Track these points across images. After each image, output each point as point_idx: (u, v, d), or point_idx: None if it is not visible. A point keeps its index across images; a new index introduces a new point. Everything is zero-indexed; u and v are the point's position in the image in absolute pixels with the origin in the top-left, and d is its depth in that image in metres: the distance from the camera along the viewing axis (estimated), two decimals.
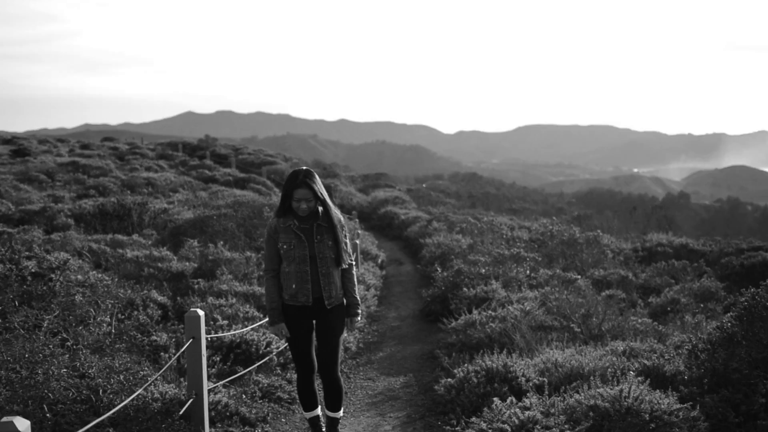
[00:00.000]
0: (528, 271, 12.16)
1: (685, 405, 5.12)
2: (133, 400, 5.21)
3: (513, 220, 22.98)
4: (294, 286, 5.30)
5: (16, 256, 8.43)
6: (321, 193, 5.31)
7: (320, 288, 5.31)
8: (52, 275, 8.49)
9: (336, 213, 5.43)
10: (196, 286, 10.18)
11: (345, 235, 5.47)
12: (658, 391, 5.43)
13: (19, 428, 3.06)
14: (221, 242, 11.81)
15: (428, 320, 11.60)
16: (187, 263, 11.20)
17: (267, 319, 5.65)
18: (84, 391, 5.41)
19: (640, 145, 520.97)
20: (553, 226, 15.13)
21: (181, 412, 5.43)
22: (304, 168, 5.45)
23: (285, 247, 5.29)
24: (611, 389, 5.13)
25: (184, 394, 5.87)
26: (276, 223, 5.36)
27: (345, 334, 5.78)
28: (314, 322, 5.45)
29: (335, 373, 5.48)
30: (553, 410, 5.21)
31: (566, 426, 4.92)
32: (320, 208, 5.33)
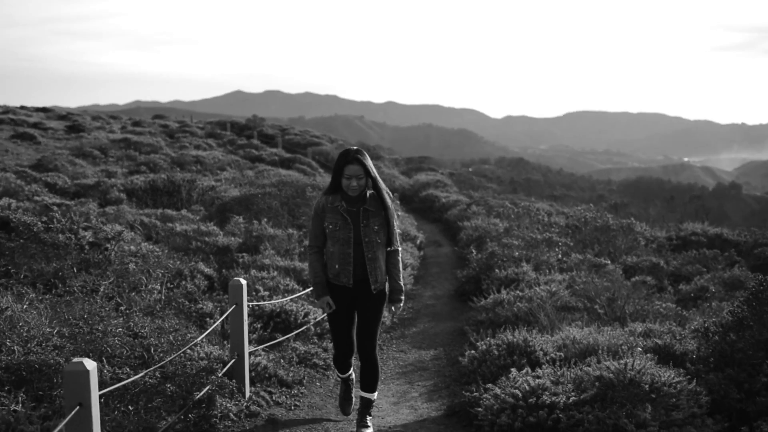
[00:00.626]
0: (560, 255, 12.52)
1: (685, 378, 5.50)
2: (180, 357, 5.77)
3: (553, 206, 23.23)
4: (337, 266, 5.35)
5: (75, 227, 9.08)
6: (372, 171, 5.28)
7: (364, 271, 5.34)
8: (108, 245, 9.14)
9: (386, 195, 5.40)
10: (241, 260, 10.77)
11: (395, 218, 5.44)
12: (664, 367, 5.83)
13: (88, 368, 3.61)
14: (265, 219, 12.41)
15: (462, 300, 12.03)
16: (233, 238, 11.80)
17: (311, 291, 5.63)
18: (138, 349, 5.99)
19: (692, 134, 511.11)
20: (587, 213, 15.44)
21: (224, 371, 5.99)
22: (355, 147, 5.50)
23: (330, 227, 5.31)
24: (617, 362, 5.54)
25: (227, 355, 6.44)
26: (324, 201, 5.37)
27: (385, 317, 5.91)
28: (355, 302, 5.50)
29: (373, 354, 5.56)
30: (562, 379, 5.65)
31: (573, 393, 5.36)
32: (369, 192, 5.33)
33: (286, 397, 6.66)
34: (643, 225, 16.66)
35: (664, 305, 9.69)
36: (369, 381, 5.65)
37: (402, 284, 5.53)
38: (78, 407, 3.54)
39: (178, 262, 9.80)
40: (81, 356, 5.48)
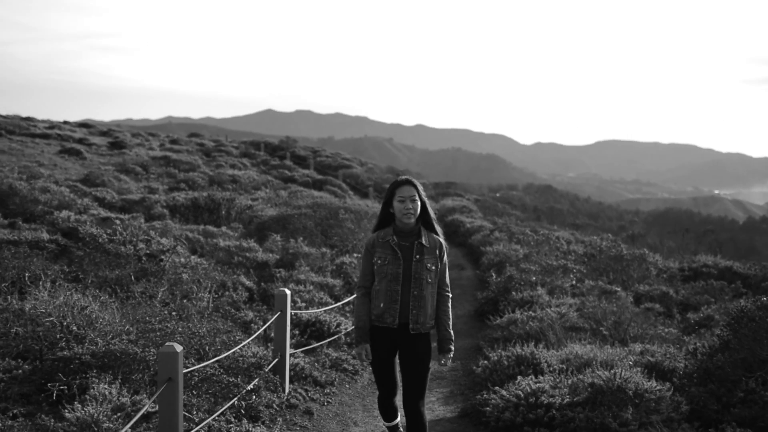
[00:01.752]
0: (574, 281, 13.39)
1: (666, 388, 6.38)
2: (234, 353, 6.77)
3: (573, 235, 24.03)
4: (382, 305, 5.02)
5: (135, 239, 10.16)
6: (423, 197, 5.10)
7: (408, 311, 5.01)
8: (162, 257, 10.20)
9: (439, 229, 5.21)
10: (278, 275, 11.78)
11: (445, 258, 5.18)
12: (652, 379, 6.71)
13: (177, 350, 4.60)
14: (301, 238, 13.43)
15: (480, 320, 12.90)
16: (271, 254, 12.83)
17: (354, 334, 5.43)
18: (195, 347, 6.98)
19: (723, 167, 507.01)
20: (602, 243, 16.30)
21: (269, 366, 6.97)
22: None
23: (379, 262, 5.03)
24: (608, 372, 6.44)
25: (270, 356, 7.42)
26: (375, 237, 5.12)
27: (432, 367, 5.33)
28: (399, 347, 5.15)
29: (420, 406, 5.11)
30: (560, 385, 6.56)
31: (568, 396, 6.27)
32: (423, 234, 5.07)
33: (320, 395, 7.61)
34: (656, 256, 17.46)
35: (666, 330, 10.54)
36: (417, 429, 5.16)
37: (452, 333, 5.17)
38: (168, 380, 4.52)
39: (223, 275, 10.84)
40: (150, 347, 6.50)
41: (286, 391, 7.24)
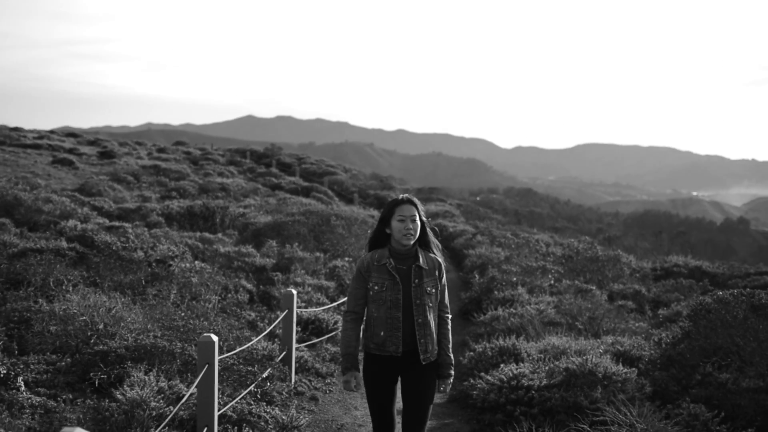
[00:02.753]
0: (552, 281, 14.29)
1: (632, 372, 7.26)
2: (248, 347, 7.58)
3: (553, 237, 24.98)
4: (382, 333, 4.67)
5: (145, 246, 10.93)
6: (423, 217, 4.80)
7: (414, 339, 4.67)
8: (171, 262, 10.98)
9: (438, 251, 4.92)
10: (276, 278, 12.57)
11: (444, 278, 4.90)
12: (619, 365, 7.59)
13: (213, 339, 5.41)
14: (296, 243, 14.24)
15: (465, 318, 13.77)
16: (268, 259, 13.61)
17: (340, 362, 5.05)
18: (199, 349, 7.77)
19: (702, 169, 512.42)
20: (579, 245, 17.23)
21: (279, 358, 7.78)
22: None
23: (376, 288, 4.69)
24: (580, 358, 7.32)
25: (278, 350, 8.23)
26: (369, 259, 4.77)
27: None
28: (400, 378, 4.80)
29: None
30: (539, 370, 7.43)
31: (545, 379, 7.13)
32: (421, 255, 4.76)
33: (322, 384, 8.44)
34: (630, 257, 18.43)
35: (636, 324, 11.44)
36: None
37: (452, 358, 4.87)
38: (207, 366, 5.33)
39: (225, 279, 11.63)
40: (174, 340, 7.29)
41: (293, 380, 8.05)
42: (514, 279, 13.94)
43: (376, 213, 23.47)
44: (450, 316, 4.92)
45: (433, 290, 4.75)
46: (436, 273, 4.79)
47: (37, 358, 6.74)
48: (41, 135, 36.96)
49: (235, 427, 6.00)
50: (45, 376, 6.36)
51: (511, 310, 11.29)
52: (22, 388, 5.74)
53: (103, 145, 36.85)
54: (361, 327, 4.82)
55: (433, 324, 4.73)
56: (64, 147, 32.71)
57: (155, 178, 28.15)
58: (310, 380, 8.38)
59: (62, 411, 5.49)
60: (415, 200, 4.79)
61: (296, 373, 8.35)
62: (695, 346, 8.11)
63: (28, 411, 5.39)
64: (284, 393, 7.49)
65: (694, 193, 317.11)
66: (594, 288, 14.01)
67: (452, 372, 4.83)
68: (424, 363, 4.67)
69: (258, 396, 6.94)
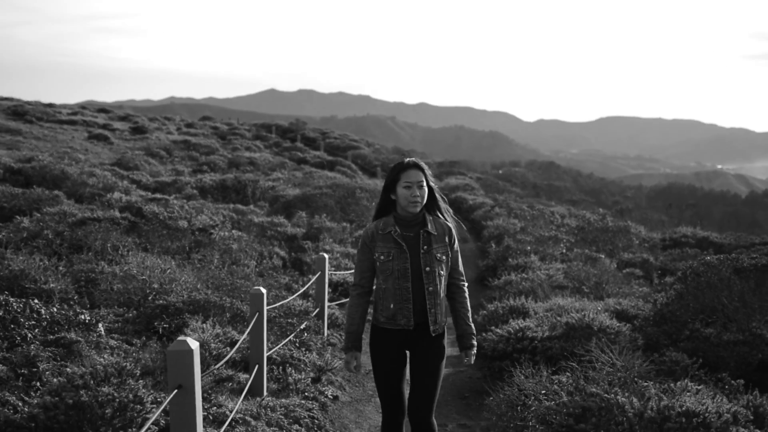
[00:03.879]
0: (564, 250, 15.23)
1: (624, 325, 8.24)
2: (288, 303, 8.63)
3: (569, 210, 25.84)
4: (392, 306, 4.42)
5: (189, 216, 12.00)
6: (431, 182, 4.51)
7: (425, 310, 4.41)
8: (212, 231, 12.05)
9: (448, 214, 4.63)
10: (306, 246, 13.63)
11: (456, 244, 4.62)
12: (614, 319, 8.56)
13: (263, 291, 6.44)
14: (323, 214, 15.28)
15: (482, 284, 14.77)
16: (298, 229, 14.67)
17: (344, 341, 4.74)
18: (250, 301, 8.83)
19: (726, 142, 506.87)
20: (591, 216, 18.12)
21: (314, 313, 8.84)
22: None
23: (382, 258, 4.43)
24: (579, 314, 8.29)
25: (312, 307, 9.28)
26: (374, 228, 4.52)
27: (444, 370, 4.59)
28: (408, 352, 4.55)
29: (429, 419, 4.50)
30: (542, 324, 8.41)
31: (547, 331, 8.12)
32: (429, 220, 4.48)
33: None
34: (640, 227, 19.29)
35: (640, 289, 12.37)
36: None
37: (473, 326, 4.66)
38: (257, 314, 6.36)
39: (260, 246, 12.69)
40: (221, 295, 8.35)
41: (326, 333, 9.11)
42: (528, 248, 14.89)
43: None
44: (466, 284, 4.67)
45: (444, 257, 4.47)
46: (446, 239, 4.50)
47: (107, 311, 7.82)
48: (75, 111, 38.16)
49: (280, 367, 7.06)
50: (116, 325, 7.44)
51: (523, 275, 12.27)
52: (103, 332, 6.81)
53: (134, 121, 37.99)
54: (368, 302, 4.59)
55: (442, 294, 4.49)
56: (98, 123, 33.88)
57: (186, 152, 29.27)
58: (339, 334, 9.42)
59: (138, 351, 6.55)
60: (422, 164, 4.50)
61: (328, 327, 9.40)
62: (685, 305, 9.05)
63: (108, 351, 6.45)
64: (318, 343, 8.53)
65: (719, 167, 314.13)
66: (603, 256, 14.94)
67: (475, 342, 4.61)
68: (434, 335, 4.45)
69: (297, 344, 7.99)
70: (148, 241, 10.97)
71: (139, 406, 4.78)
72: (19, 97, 41.94)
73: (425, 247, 4.42)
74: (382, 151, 45.28)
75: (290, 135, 43.48)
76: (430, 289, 4.40)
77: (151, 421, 3.33)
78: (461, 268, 4.68)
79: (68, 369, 5.42)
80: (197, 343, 3.52)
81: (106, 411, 4.59)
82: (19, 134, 26.51)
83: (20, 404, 4.94)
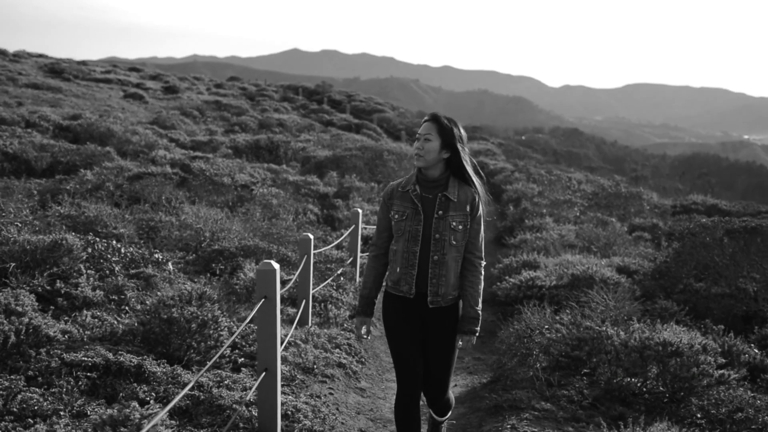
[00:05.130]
0: (578, 213, 16.24)
1: (623, 278, 9.30)
2: (326, 249, 9.76)
3: (587, 176, 26.77)
4: (398, 269, 4.14)
5: (232, 173, 13.13)
6: (452, 139, 4.09)
7: (426, 279, 4.10)
8: (253, 187, 13.18)
9: (476, 180, 4.19)
10: (337, 203, 14.74)
11: (480, 216, 4.19)
12: (614, 272, 9.61)
13: (310, 236, 7.55)
14: (353, 175, 16.36)
15: (500, 243, 15.83)
16: (329, 188, 15.77)
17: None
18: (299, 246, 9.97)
19: (755, 111, 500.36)
20: (605, 182, 19.07)
21: (348, 261, 9.97)
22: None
23: (396, 217, 4.14)
24: (583, 266, 9.37)
25: (346, 256, 10.40)
26: (395, 186, 4.25)
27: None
28: (422, 323, 4.23)
29: (442, 395, 4.39)
30: (550, 275, 9.49)
31: (555, 281, 9.20)
32: (452, 185, 4.11)
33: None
34: (652, 194, 20.24)
35: (646, 250, 13.39)
36: (439, 412, 4.57)
37: (479, 311, 4.19)
38: (305, 256, 7.48)
39: (296, 203, 13.82)
40: (267, 241, 9.47)
41: (358, 279, 10.24)
42: (544, 210, 15.91)
43: None
44: (483, 262, 4.22)
45: (460, 227, 4.07)
46: (468, 208, 4.11)
47: (170, 255, 8.99)
48: (107, 69, 39.33)
49: (322, 304, 8.21)
50: (179, 265, 8.61)
51: (537, 235, 13.32)
52: (171, 269, 7.98)
53: (165, 80, 39.13)
54: (385, 264, 4.28)
55: (453, 266, 4.10)
56: (132, 82, 35.04)
57: (218, 113, 30.40)
58: None
59: (204, 285, 7.72)
60: (441, 117, 4.14)
61: (360, 275, 10.53)
62: (681, 262, 10.09)
63: (178, 283, 7.61)
64: (352, 288, 9.68)
65: (746, 137, 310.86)
66: (614, 220, 15.94)
67: (476, 329, 4.17)
68: (431, 306, 4.11)
69: (334, 287, 9.13)
70: (197, 195, 12.13)
71: (214, 324, 5.92)
72: (43, 51, 43.13)
73: (440, 212, 4.06)
74: (407, 115, 46.19)
75: (316, 97, 44.46)
76: (435, 257, 4.06)
77: (246, 321, 4.45)
78: (481, 243, 4.20)
79: (150, 297, 6.58)
80: (278, 265, 4.59)
81: (192, 325, 5.74)
82: (60, 92, 27.72)
83: (115, 322, 6.10)
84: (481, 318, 4.22)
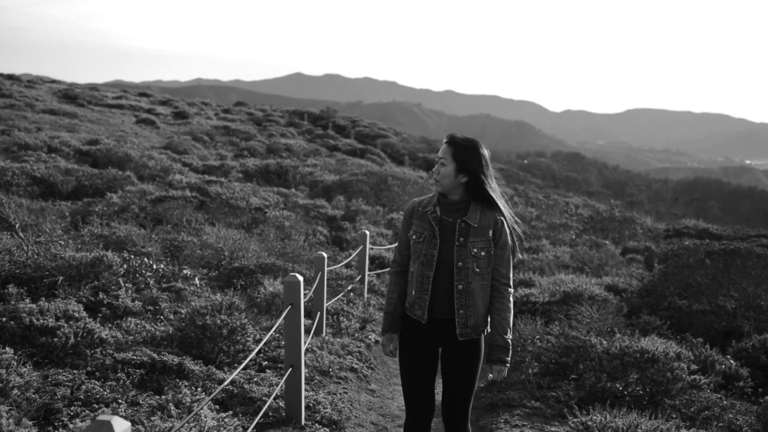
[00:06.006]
0: (574, 236, 17.05)
1: (610, 295, 10.09)
2: (337, 268, 10.56)
3: (585, 201, 27.63)
4: (413, 292, 4.04)
5: (246, 197, 13.96)
6: (465, 162, 3.94)
7: (449, 307, 3.98)
8: (266, 210, 14.00)
9: (504, 208, 4.06)
10: (344, 226, 15.55)
11: (508, 243, 4.04)
12: (603, 290, 10.40)
13: (324, 255, 8.35)
14: (360, 199, 17.20)
15: None
16: (337, 211, 16.60)
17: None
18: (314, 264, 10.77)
19: (756, 137, 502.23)
20: (600, 207, 19.92)
21: (357, 279, 10.77)
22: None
23: (414, 237, 4.07)
24: (574, 284, 10.16)
25: (355, 274, 11.19)
26: (417, 204, 4.16)
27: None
28: (438, 350, 4.15)
29: (463, 427, 4.19)
30: (544, 292, 10.28)
31: (548, 297, 9.99)
32: (473, 209, 3.99)
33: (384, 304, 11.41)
34: (646, 218, 21.08)
35: (637, 271, 14.18)
36: None
37: (509, 339, 4.04)
38: (320, 273, 8.27)
39: (306, 225, 14.64)
40: (283, 260, 10.27)
41: (366, 295, 11.03)
42: (541, 233, 16.73)
43: (425, 174, 26.32)
44: (511, 290, 4.08)
45: (482, 253, 3.93)
46: (490, 233, 3.96)
47: (195, 271, 9.79)
48: (119, 95, 40.38)
49: (334, 316, 9.00)
50: (203, 281, 9.41)
51: (534, 256, 14.13)
52: (198, 284, 8.78)
53: (175, 106, 40.17)
54: (407, 281, 4.13)
55: (481, 294, 3.96)
56: (143, 107, 36.05)
57: (227, 138, 31.33)
58: (377, 298, 11.35)
59: (229, 296, 8.50)
60: (457, 140, 4.00)
61: (368, 292, 11.32)
62: (666, 280, 10.88)
63: (205, 296, 8.40)
64: (361, 303, 10.47)
65: (747, 162, 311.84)
66: (608, 243, 16.75)
67: (507, 358, 4.01)
68: (461, 339, 3.99)
69: (345, 301, 9.92)
70: (214, 217, 12.96)
71: (242, 330, 6.71)
72: (49, 74, 44.31)
73: (461, 239, 3.93)
74: (410, 140, 47.19)
75: (321, 122, 45.48)
76: (460, 287, 3.92)
77: (276, 325, 5.25)
78: (507, 270, 4.04)
79: (183, 308, 7.37)
80: (302, 277, 5.39)
81: (223, 331, 6.52)
82: (75, 117, 28.69)
83: (153, 328, 6.89)
84: (511, 348, 4.06)
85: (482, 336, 4.08)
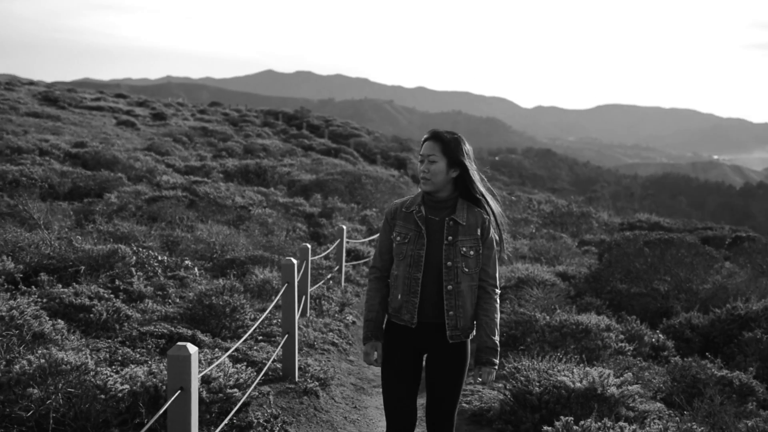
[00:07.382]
0: (533, 230, 18.48)
1: (559, 280, 11.48)
2: (317, 258, 11.85)
3: (549, 197, 29.14)
4: (399, 296, 3.89)
5: (232, 196, 15.19)
6: (461, 158, 3.85)
7: (438, 310, 3.85)
8: (250, 208, 15.24)
9: (490, 203, 4.00)
10: (321, 222, 16.83)
11: (491, 240, 3.95)
12: (553, 276, 11.78)
13: (308, 246, 9.62)
14: (335, 197, 18.49)
15: None
16: (314, 208, 17.87)
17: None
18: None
19: (723, 132, 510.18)
20: (559, 203, 21.41)
21: (335, 269, 12.06)
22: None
23: (398, 239, 3.91)
24: (527, 271, 11.54)
25: (333, 265, 12.48)
26: (399, 205, 4.01)
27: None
28: (425, 357, 4.03)
29: (451, 428, 4.03)
30: (501, 279, 11.64)
31: (504, 283, 11.36)
32: (460, 207, 3.88)
33: (360, 290, 12.70)
34: (601, 213, 22.61)
35: (590, 261, 15.61)
36: None
37: (497, 341, 3.95)
38: (305, 261, 9.54)
39: (286, 221, 15.90)
40: (263, 249, 11.53)
41: (343, 284, 12.33)
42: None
43: (396, 173, 27.68)
44: (498, 291, 4.03)
45: (471, 252, 3.84)
46: (478, 231, 3.88)
47: (191, 263, 11.02)
48: (97, 97, 41.24)
49: (317, 300, 10.30)
50: (201, 271, 10.66)
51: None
52: (197, 273, 10.02)
53: (152, 107, 41.13)
54: (387, 286, 4.01)
55: (469, 295, 3.87)
56: (122, 109, 36.99)
57: (205, 138, 32.42)
58: (353, 286, 12.64)
59: (230, 281, 9.75)
60: (443, 134, 3.92)
61: (345, 281, 12.62)
62: (609, 267, 12.31)
63: (205, 282, 9.64)
64: (339, 291, 11.76)
65: (715, 157, 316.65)
66: (565, 236, 18.20)
67: (495, 360, 3.92)
68: (451, 341, 3.88)
69: (326, 288, 11.21)
70: (204, 215, 14.17)
71: (241, 309, 7.98)
72: (14, 72, 45.19)
73: (449, 237, 3.83)
74: (382, 139, 48.50)
75: (295, 122, 46.65)
76: (449, 287, 3.82)
77: (275, 301, 6.54)
78: (494, 270, 4.00)
79: (189, 292, 8.62)
80: (296, 261, 6.66)
81: (226, 309, 7.80)
82: (59, 120, 29.64)
83: (164, 309, 8.13)
84: (499, 349, 3.99)
85: (469, 339, 3.97)
